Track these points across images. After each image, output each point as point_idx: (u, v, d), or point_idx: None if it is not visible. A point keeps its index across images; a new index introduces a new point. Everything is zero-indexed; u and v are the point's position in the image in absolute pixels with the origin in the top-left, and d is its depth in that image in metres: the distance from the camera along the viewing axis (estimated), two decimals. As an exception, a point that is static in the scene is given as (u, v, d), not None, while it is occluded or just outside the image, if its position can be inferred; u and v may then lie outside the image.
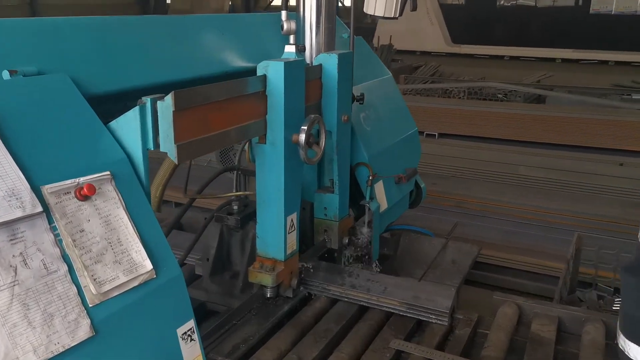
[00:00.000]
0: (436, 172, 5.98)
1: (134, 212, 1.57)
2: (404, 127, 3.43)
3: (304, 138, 2.08)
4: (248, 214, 2.43)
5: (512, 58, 17.00)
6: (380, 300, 2.36)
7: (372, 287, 2.41)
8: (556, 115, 7.24)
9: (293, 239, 2.27)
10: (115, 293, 1.44)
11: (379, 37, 14.45)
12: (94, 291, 1.39)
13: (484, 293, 3.90)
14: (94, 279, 1.40)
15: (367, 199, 2.85)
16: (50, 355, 1.29)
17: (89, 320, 1.36)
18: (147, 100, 1.64)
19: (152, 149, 1.69)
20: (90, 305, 1.38)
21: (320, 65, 2.40)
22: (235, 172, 2.68)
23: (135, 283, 1.50)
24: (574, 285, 3.76)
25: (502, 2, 18.08)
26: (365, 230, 2.85)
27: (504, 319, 2.33)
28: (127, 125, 1.63)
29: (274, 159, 2.12)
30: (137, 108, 1.62)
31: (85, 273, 1.39)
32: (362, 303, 2.39)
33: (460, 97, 9.87)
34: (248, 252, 2.43)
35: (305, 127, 2.09)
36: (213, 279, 2.46)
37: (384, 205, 3.02)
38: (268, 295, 2.24)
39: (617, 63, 15.88)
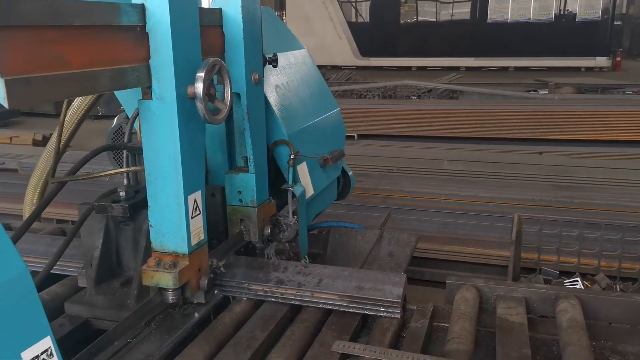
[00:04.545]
0: (360, 172, 5.65)
1: None
2: (326, 105, 3.01)
3: (201, 88, 1.58)
4: (140, 200, 1.87)
5: (419, 68, 17.54)
6: (315, 296, 1.89)
7: (304, 281, 1.93)
8: (473, 109, 7.17)
9: (199, 225, 1.75)
10: None
11: (288, 50, 14.24)
12: None
13: (425, 290, 3.56)
14: None
15: (290, 182, 2.38)
16: None
17: None
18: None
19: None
20: None
21: (220, 10, 1.93)
22: (124, 152, 2.14)
23: None
24: (517, 272, 3.52)
25: (405, 20, 18.67)
26: (290, 219, 2.38)
27: (465, 305, 1.92)
28: None
29: (165, 120, 1.60)
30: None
31: None
32: (293, 302, 1.91)
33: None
34: (143, 250, 1.88)
35: (203, 74, 1.59)
36: (99, 289, 1.89)
37: (310, 190, 2.57)
38: (171, 301, 1.69)
39: (517, 68, 16.73)
